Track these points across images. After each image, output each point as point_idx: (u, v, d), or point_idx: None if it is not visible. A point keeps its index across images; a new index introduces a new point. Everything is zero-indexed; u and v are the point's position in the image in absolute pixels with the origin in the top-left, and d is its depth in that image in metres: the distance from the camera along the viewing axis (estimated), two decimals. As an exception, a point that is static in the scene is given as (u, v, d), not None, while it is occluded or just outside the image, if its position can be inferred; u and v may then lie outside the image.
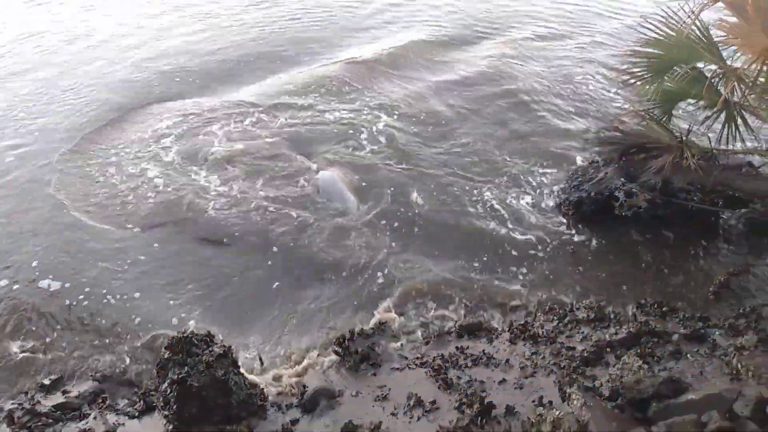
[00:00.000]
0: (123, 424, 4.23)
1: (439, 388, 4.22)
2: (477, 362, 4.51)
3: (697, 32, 5.75)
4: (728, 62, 5.66)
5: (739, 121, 5.90)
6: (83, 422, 4.28)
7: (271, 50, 11.90)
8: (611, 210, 6.55)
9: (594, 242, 6.39)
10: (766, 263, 5.90)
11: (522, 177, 7.56)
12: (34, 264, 6.03)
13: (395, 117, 9.14)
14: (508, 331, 4.95)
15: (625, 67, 6.36)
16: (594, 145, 6.93)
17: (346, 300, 5.56)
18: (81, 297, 5.62)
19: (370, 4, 14.55)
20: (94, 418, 4.30)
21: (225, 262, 6.11)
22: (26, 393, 4.60)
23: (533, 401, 3.96)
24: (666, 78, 6.20)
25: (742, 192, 6.23)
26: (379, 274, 5.88)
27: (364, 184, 7.38)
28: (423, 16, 13.93)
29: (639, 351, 4.34)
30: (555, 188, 7.26)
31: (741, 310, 5.06)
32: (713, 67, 5.77)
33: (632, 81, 6.27)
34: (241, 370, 4.33)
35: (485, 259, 6.13)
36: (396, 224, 6.66)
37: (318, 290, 5.71)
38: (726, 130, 5.93)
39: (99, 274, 5.92)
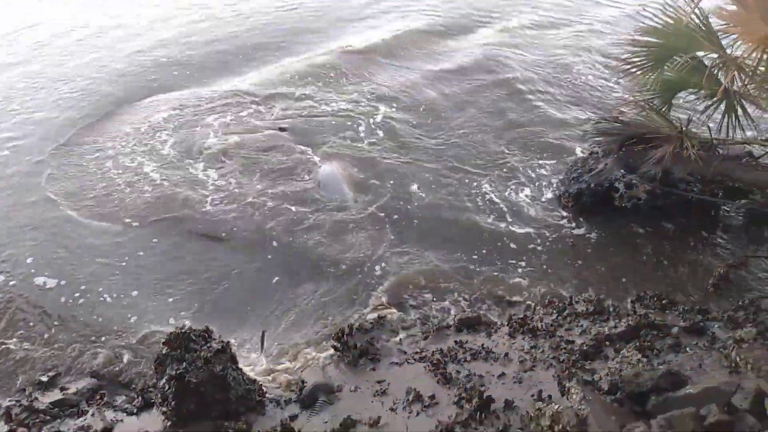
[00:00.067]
0: (121, 420, 4.22)
1: (438, 382, 4.20)
2: (476, 356, 4.49)
3: (697, 21, 5.69)
4: (728, 51, 5.61)
5: (740, 110, 5.86)
6: (81, 419, 4.28)
7: (268, 40, 11.82)
8: (611, 201, 6.52)
9: (593, 234, 6.36)
10: (765, 255, 5.88)
11: (521, 169, 7.52)
12: (29, 260, 5.99)
13: (393, 108, 9.09)
14: (507, 324, 4.93)
15: (624, 56, 6.30)
16: (593, 135, 6.88)
17: (344, 295, 5.54)
18: (77, 295, 5.58)
19: (367, -7, 14.46)
20: (92, 414, 4.29)
21: (223, 257, 6.08)
22: (24, 390, 4.58)
23: (532, 395, 3.95)
24: (666, 67, 6.15)
25: (742, 183, 6.20)
26: (378, 268, 5.86)
27: (362, 176, 7.34)
28: (419, 5, 13.82)
29: (638, 344, 4.32)
30: (554, 180, 7.23)
31: (740, 303, 5.05)
32: (713, 56, 5.71)
33: (633, 70, 6.21)
34: (240, 365, 4.32)
35: (484, 252, 6.11)
36: (395, 217, 6.63)
37: (316, 285, 5.69)
38: (726, 119, 5.89)
39: (95, 270, 5.87)
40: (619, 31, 11.53)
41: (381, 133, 8.37)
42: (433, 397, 4.05)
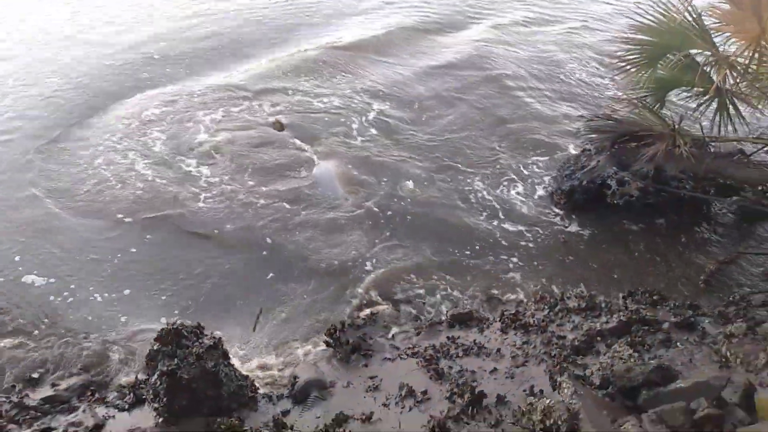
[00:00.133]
0: (113, 416, 4.19)
1: (430, 378, 4.21)
2: (468, 352, 4.51)
3: (690, 19, 5.71)
4: (721, 49, 5.64)
5: (731, 108, 5.90)
6: (72, 415, 4.24)
7: (262, 36, 11.79)
8: (603, 199, 6.55)
9: (586, 231, 6.39)
10: (756, 251, 5.93)
11: (513, 166, 7.54)
12: (17, 258, 5.89)
13: (386, 104, 9.08)
14: (500, 320, 4.94)
15: (618, 54, 6.32)
16: (586, 133, 6.90)
17: (336, 291, 5.53)
18: (66, 293, 5.49)
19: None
20: (83, 411, 4.26)
21: (215, 254, 6.04)
22: (14, 386, 4.54)
23: (524, 390, 3.96)
24: (659, 65, 6.17)
25: (734, 180, 6.25)
26: (370, 264, 5.85)
27: (356, 173, 7.33)
28: (413, 0, 13.81)
29: (629, 339, 4.35)
30: (546, 177, 7.25)
31: (731, 298, 5.09)
32: (706, 54, 5.74)
33: (628, 67, 6.23)
34: (232, 361, 4.31)
35: (477, 248, 6.12)
36: (389, 214, 6.62)
37: (309, 281, 5.67)
38: (718, 117, 5.93)
39: (85, 268, 5.79)
40: (612, 29, 11.61)
41: (374, 130, 8.36)
42: (425, 392, 4.05)
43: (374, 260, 5.90)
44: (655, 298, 5.10)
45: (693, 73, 5.73)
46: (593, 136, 6.75)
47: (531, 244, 6.19)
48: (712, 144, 6.23)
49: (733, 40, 5.48)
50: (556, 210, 6.71)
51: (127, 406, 4.28)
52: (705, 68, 5.73)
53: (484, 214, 6.66)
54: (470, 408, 3.78)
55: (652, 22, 5.96)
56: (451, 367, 4.31)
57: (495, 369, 4.26)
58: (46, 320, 5.20)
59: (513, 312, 5.08)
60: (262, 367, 4.71)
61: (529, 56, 10.99)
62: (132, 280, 5.68)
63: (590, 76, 10.23)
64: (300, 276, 5.74)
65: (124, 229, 6.36)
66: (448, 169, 7.48)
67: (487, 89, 9.60)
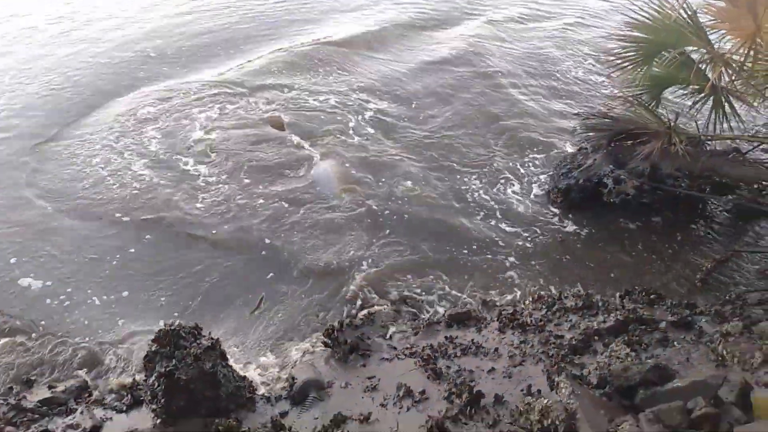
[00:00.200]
0: (110, 418, 4.19)
1: (428, 378, 4.21)
2: (466, 352, 4.51)
3: (685, 16, 5.72)
4: (716, 47, 5.65)
5: (727, 106, 5.92)
6: (70, 417, 4.23)
7: (257, 32, 11.79)
8: (600, 197, 6.56)
9: (582, 230, 6.40)
10: (752, 250, 5.95)
11: (510, 164, 7.54)
12: (13, 261, 5.85)
13: (382, 101, 9.08)
14: (497, 320, 4.94)
15: (615, 51, 6.33)
16: (582, 131, 6.91)
17: (334, 291, 5.52)
18: (63, 297, 5.44)
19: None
20: (81, 412, 4.25)
21: (213, 255, 6.01)
22: (11, 388, 4.53)
23: (522, 390, 3.97)
24: (654, 63, 6.18)
25: (729, 178, 6.27)
26: (367, 264, 5.83)
27: (353, 172, 7.31)
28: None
29: (626, 339, 4.35)
30: (543, 176, 7.26)
31: (727, 297, 5.11)
32: (702, 51, 5.75)
33: (625, 64, 6.24)
34: (230, 361, 4.31)
35: (474, 247, 6.13)
36: (386, 212, 6.61)
37: (307, 281, 5.67)
38: (713, 115, 5.95)
39: (83, 270, 5.75)
40: (608, 25, 11.62)
41: (370, 129, 8.35)
42: (423, 392, 4.05)
43: (372, 260, 5.90)
44: (652, 296, 5.11)
45: (688, 70, 5.74)
46: (590, 134, 6.77)
47: (528, 243, 6.20)
48: (708, 142, 6.24)
49: (728, 37, 5.49)
50: (553, 209, 6.72)
51: (124, 408, 4.27)
52: (700, 66, 5.74)
53: (481, 213, 6.67)
54: (468, 408, 3.79)
55: (648, 19, 5.96)
56: (449, 367, 4.31)
57: (493, 368, 4.26)
58: (43, 322, 5.17)
59: (511, 311, 5.08)
60: (260, 368, 4.70)
61: (525, 52, 11.01)
62: (130, 281, 5.66)
63: (586, 73, 10.24)
64: (298, 276, 5.73)
65: (122, 229, 6.34)
66: (445, 167, 7.48)
67: (483, 86, 9.60)
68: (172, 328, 4.11)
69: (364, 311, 5.18)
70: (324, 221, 6.43)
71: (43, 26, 12.15)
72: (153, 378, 3.98)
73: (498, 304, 5.38)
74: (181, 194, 6.85)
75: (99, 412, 4.24)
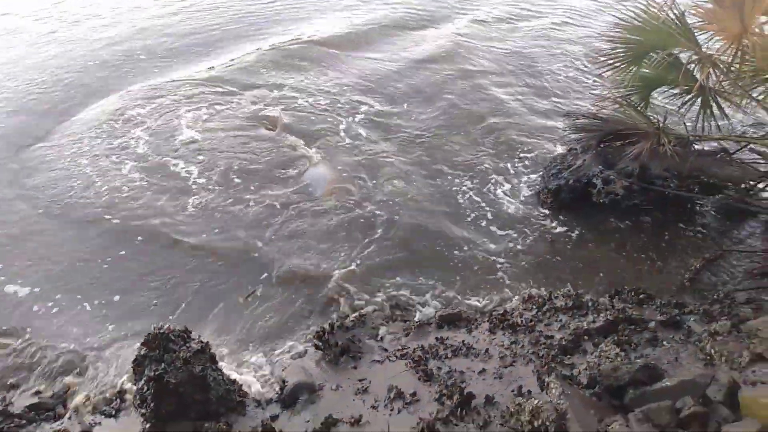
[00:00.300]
0: (99, 423, 4.16)
1: (419, 379, 4.21)
2: (457, 353, 4.51)
3: (673, 17, 5.75)
4: (704, 48, 5.69)
5: (714, 107, 5.97)
6: (58, 423, 4.20)
7: (246, 31, 11.82)
8: (589, 197, 6.58)
9: (572, 230, 6.42)
10: (740, 249, 6.00)
11: (500, 165, 7.55)
12: (-1, 267, 5.77)
13: (373, 101, 9.07)
14: (488, 320, 4.95)
15: (604, 51, 6.36)
16: (572, 131, 6.93)
17: (325, 293, 5.48)
18: (50, 304, 5.37)
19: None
20: (69, 418, 4.22)
21: (203, 258, 5.94)
22: (-3, 394, 4.48)
23: (512, 391, 3.98)
24: (643, 64, 6.22)
25: (717, 178, 6.31)
26: (356, 266, 5.80)
27: (345, 173, 7.29)
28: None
29: (616, 338, 4.38)
30: (533, 176, 7.28)
31: (715, 296, 5.15)
32: (690, 52, 5.79)
33: (615, 64, 6.27)
34: (220, 365, 4.28)
35: (465, 248, 6.12)
36: (378, 213, 6.58)
37: (298, 284, 5.63)
38: (702, 116, 5.99)
39: (71, 276, 5.67)
40: (595, 24, 11.69)
41: (361, 129, 8.33)
42: (414, 394, 4.06)
43: (363, 261, 5.88)
44: (641, 296, 5.15)
45: (677, 71, 5.78)
46: (580, 135, 6.79)
47: (519, 245, 6.20)
48: (696, 142, 6.29)
49: (716, 38, 5.53)
50: (543, 209, 6.74)
51: (113, 412, 4.25)
52: (689, 67, 5.78)
53: (472, 214, 6.67)
54: (459, 409, 3.79)
55: (635, 19, 6.00)
56: (440, 368, 4.32)
57: (483, 369, 4.27)
58: (29, 329, 5.10)
59: (501, 312, 5.09)
60: (251, 371, 4.67)
61: (514, 51, 11.07)
62: (118, 285, 5.59)
63: (575, 72, 10.28)
64: (288, 278, 5.70)
65: (110, 233, 6.26)
66: (436, 168, 7.47)
67: (472, 86, 9.62)
68: (161, 331, 4.08)
69: (355, 313, 5.17)
70: (314, 223, 6.41)
71: (29, 26, 12.04)
72: (142, 382, 3.95)
73: (488, 304, 5.38)
74: (171, 196, 6.79)
75: (87, 417, 4.21)
